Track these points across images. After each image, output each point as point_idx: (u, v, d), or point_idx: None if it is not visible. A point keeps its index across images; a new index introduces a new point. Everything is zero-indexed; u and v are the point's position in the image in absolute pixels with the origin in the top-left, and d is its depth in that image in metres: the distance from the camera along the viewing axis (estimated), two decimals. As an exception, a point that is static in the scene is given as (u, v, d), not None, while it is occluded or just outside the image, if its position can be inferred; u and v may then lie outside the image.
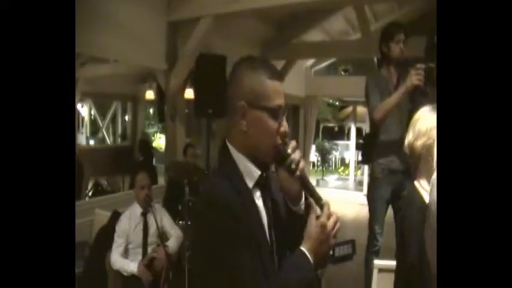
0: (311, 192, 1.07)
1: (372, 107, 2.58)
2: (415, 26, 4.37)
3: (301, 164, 1.06)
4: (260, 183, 1.09)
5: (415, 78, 2.32)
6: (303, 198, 1.14)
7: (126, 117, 9.15)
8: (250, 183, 1.06)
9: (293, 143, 1.07)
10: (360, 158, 8.85)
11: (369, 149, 2.82)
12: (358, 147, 7.82)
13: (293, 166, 1.04)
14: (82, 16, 3.13)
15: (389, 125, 2.61)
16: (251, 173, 1.07)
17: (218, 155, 1.12)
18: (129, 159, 6.55)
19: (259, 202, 1.09)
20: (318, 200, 1.05)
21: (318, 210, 1.05)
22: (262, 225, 1.07)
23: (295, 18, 5.73)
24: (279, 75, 1.07)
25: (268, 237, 1.08)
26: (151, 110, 10.86)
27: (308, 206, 1.12)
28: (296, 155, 1.05)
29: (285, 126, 1.06)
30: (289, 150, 1.05)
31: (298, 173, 1.05)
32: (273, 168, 1.19)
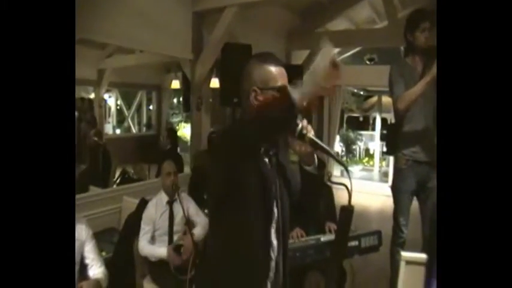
0: (324, 150, 1.25)
1: (395, 96, 2.53)
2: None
3: (310, 128, 1.24)
4: (267, 152, 1.31)
5: None
6: (316, 159, 1.34)
7: (151, 107, 9.28)
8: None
9: (299, 116, 1.25)
10: (384, 149, 8.71)
11: (393, 139, 2.78)
12: (383, 137, 7.69)
13: (304, 131, 1.22)
14: (109, 7, 3.20)
15: (414, 115, 2.56)
16: None
17: None
18: (154, 148, 6.67)
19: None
20: (332, 155, 1.26)
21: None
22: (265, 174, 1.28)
23: (320, 6, 5.66)
24: (281, 63, 1.33)
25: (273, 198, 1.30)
26: (175, 100, 10.98)
27: (321, 166, 1.36)
28: (304, 123, 1.23)
29: None
30: (297, 121, 1.23)
31: (309, 135, 1.22)
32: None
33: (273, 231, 1.29)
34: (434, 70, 2.30)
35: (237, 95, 4.06)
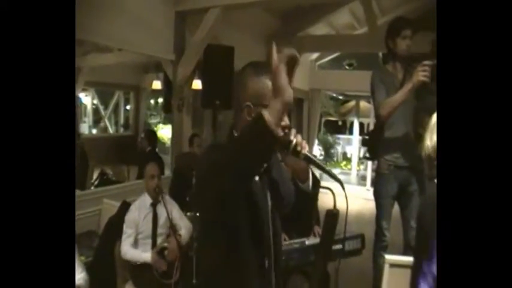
0: (319, 166, 1.19)
1: (377, 103, 2.56)
2: (422, 22, 4.35)
3: (304, 144, 1.18)
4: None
5: (421, 74, 2.29)
6: (310, 176, 1.29)
7: (128, 107, 9.12)
8: None
9: (293, 131, 1.19)
10: (362, 153, 8.84)
11: (374, 145, 2.81)
12: (364, 143, 7.78)
13: (298, 148, 1.16)
14: (88, 3, 3.12)
15: (395, 122, 2.60)
16: None
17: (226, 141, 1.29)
18: (132, 149, 6.55)
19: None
20: (329, 172, 1.19)
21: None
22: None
23: (301, 11, 5.71)
24: None
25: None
26: (152, 101, 10.82)
27: (315, 183, 1.23)
28: (298, 139, 1.17)
29: (285, 121, 1.17)
30: (291, 137, 1.17)
31: (303, 152, 1.16)
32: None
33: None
34: (416, 77, 2.33)
35: (219, 97, 4.07)
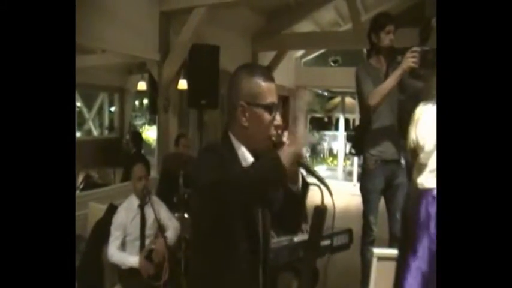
0: (309, 170, 1.21)
1: (365, 94, 2.55)
2: (402, 18, 4.42)
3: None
4: None
5: (411, 60, 2.32)
6: (300, 179, 1.33)
7: (112, 109, 9.01)
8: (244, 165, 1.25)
9: (286, 133, 1.24)
10: (348, 149, 8.91)
11: (360, 140, 2.83)
12: (349, 138, 7.85)
13: None
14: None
15: (380, 114, 2.62)
16: (246, 158, 1.26)
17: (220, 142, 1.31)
18: (118, 151, 6.48)
19: None
20: (318, 177, 1.20)
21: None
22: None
23: (286, 9, 5.74)
24: (271, 78, 1.27)
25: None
26: (136, 102, 10.70)
27: (305, 185, 1.36)
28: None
29: (278, 120, 1.25)
30: (284, 139, 1.21)
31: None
32: None
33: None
34: (406, 63, 2.34)
35: (205, 96, 4.06)
